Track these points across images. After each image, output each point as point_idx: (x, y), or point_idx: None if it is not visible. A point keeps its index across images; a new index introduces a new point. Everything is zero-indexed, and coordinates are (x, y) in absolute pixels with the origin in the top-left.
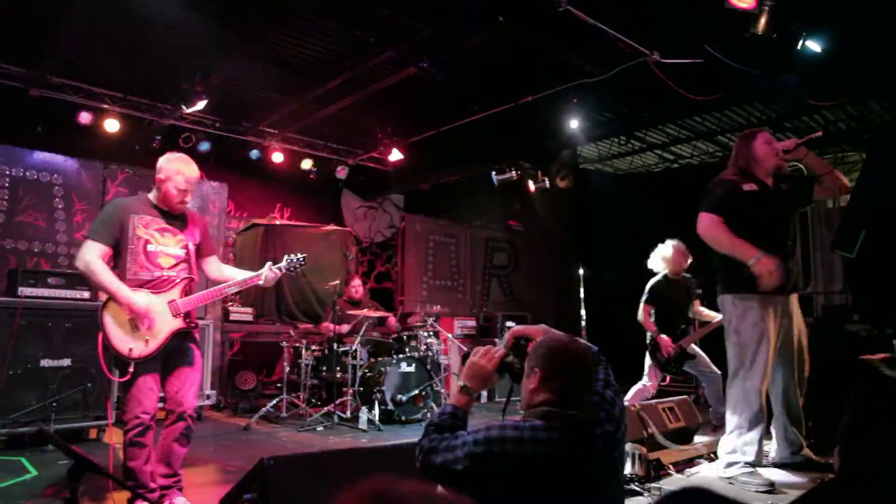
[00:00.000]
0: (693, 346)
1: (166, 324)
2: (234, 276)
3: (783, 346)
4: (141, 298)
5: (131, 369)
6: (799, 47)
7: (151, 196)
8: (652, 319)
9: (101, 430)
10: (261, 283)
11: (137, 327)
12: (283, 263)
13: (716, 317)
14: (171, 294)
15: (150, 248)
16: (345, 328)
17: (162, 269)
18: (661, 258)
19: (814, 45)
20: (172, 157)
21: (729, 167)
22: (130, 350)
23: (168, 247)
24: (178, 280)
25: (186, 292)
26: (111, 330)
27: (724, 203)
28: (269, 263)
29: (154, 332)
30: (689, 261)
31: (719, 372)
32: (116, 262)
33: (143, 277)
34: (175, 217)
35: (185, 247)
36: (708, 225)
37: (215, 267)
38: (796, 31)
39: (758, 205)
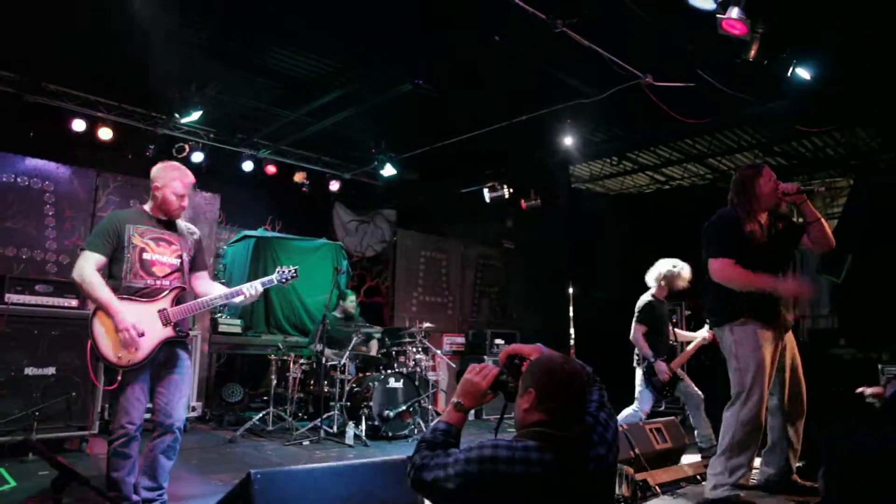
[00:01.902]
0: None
1: (156, 332)
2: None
3: (779, 372)
4: (128, 316)
5: (119, 377)
6: (789, 74)
7: (147, 207)
8: (644, 340)
9: (84, 441)
10: (244, 297)
11: (129, 337)
12: (275, 276)
13: (695, 336)
14: (162, 303)
15: (145, 256)
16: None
17: (156, 278)
18: (666, 275)
19: (803, 73)
20: (166, 165)
21: (730, 201)
22: (119, 358)
23: (163, 256)
24: (170, 289)
25: (177, 301)
26: (100, 338)
27: (731, 243)
28: (250, 282)
29: (143, 341)
30: (684, 283)
31: (702, 394)
32: (112, 270)
33: (137, 285)
34: (171, 228)
35: (180, 256)
36: (722, 268)
37: (205, 283)
38: (787, 58)
39: (756, 245)
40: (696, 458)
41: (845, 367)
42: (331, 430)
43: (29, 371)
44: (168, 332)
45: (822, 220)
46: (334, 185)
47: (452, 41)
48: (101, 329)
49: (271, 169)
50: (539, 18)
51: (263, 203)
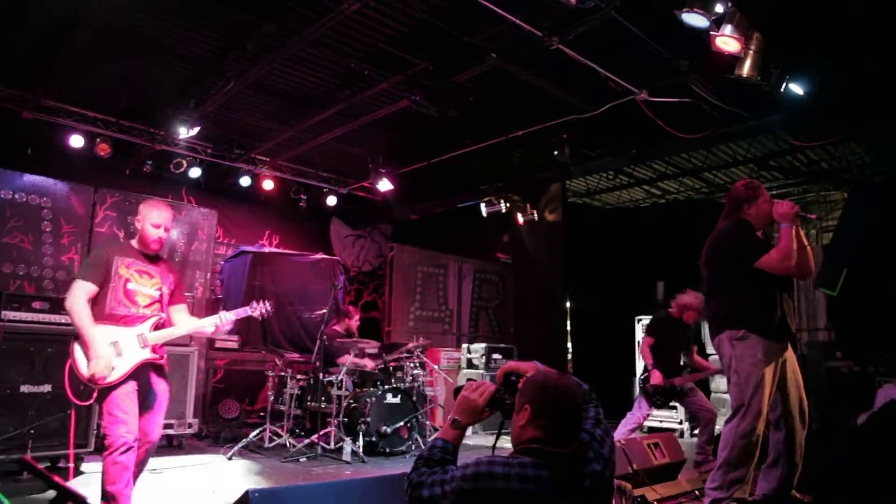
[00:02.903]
0: (692, 384)
1: (134, 354)
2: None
3: (780, 387)
4: (102, 347)
5: (95, 395)
6: (782, 90)
7: (134, 242)
8: (650, 351)
9: (80, 459)
10: (210, 330)
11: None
12: (249, 309)
13: (711, 367)
14: (142, 328)
15: (129, 286)
16: (368, 364)
17: (138, 307)
18: (678, 300)
19: (796, 88)
20: (146, 202)
21: (727, 214)
22: (89, 378)
23: (145, 287)
24: (150, 316)
25: (157, 328)
26: (79, 358)
27: (760, 243)
28: (221, 313)
29: (120, 362)
30: (694, 315)
31: (716, 412)
32: (99, 296)
33: (120, 312)
34: (154, 261)
35: (160, 289)
36: (777, 260)
37: (181, 316)
38: (780, 74)
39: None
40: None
41: (842, 378)
42: (328, 447)
43: (24, 389)
44: (146, 354)
45: (808, 247)
46: (331, 201)
47: (452, 57)
48: (80, 351)
49: (269, 184)
50: (535, 35)
51: (261, 218)
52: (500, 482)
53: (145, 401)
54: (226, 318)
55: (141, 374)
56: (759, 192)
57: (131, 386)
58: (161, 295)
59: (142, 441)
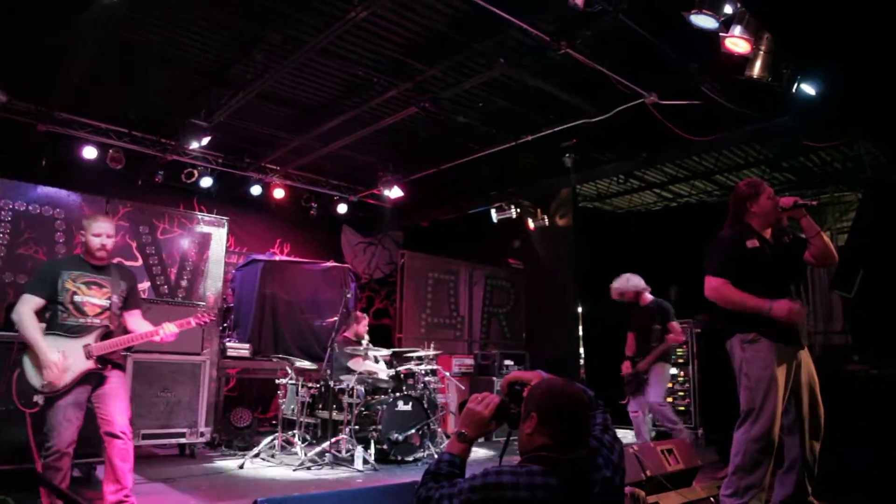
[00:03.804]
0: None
1: (79, 365)
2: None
3: (794, 391)
4: (52, 354)
5: (42, 402)
6: (794, 90)
7: (83, 255)
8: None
9: (93, 468)
10: (157, 339)
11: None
12: (192, 319)
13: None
14: (87, 339)
15: (76, 298)
16: (382, 369)
17: (87, 317)
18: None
19: (808, 88)
20: (88, 215)
21: (729, 219)
22: (42, 386)
23: (93, 297)
24: (96, 327)
25: (103, 338)
26: (28, 368)
27: (727, 264)
28: (164, 324)
29: (66, 373)
30: (631, 292)
31: (649, 400)
32: (49, 309)
33: (69, 323)
34: (103, 272)
35: (109, 298)
36: (715, 287)
37: (136, 321)
38: (791, 74)
39: (760, 261)
40: None
41: (859, 383)
42: (340, 455)
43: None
44: (90, 364)
45: (822, 233)
46: (342, 208)
47: (460, 63)
48: (28, 361)
49: (279, 192)
50: (543, 40)
51: (272, 227)
52: (510, 492)
53: (99, 397)
54: (168, 329)
55: (89, 380)
56: (761, 188)
57: (76, 396)
58: (111, 304)
59: (107, 431)
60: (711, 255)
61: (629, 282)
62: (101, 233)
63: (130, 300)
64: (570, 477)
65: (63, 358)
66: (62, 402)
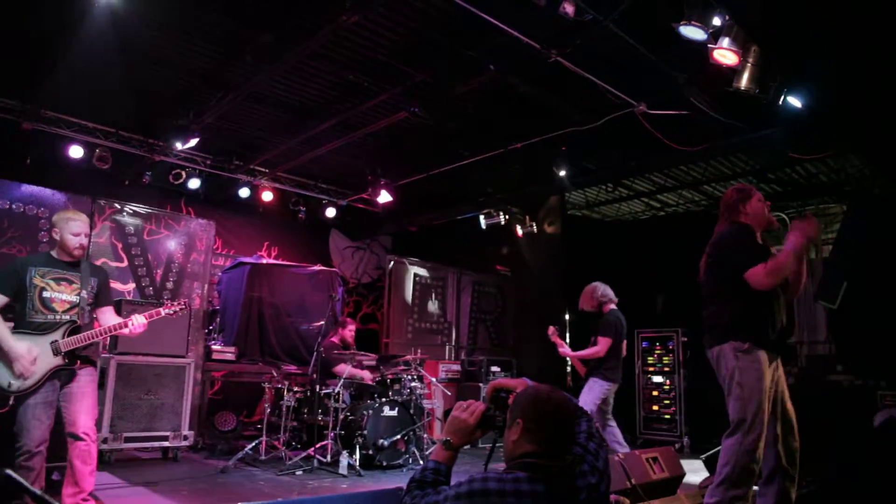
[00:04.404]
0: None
1: (46, 362)
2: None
3: (774, 401)
4: (19, 346)
5: (11, 402)
6: (781, 102)
7: (53, 252)
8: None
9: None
10: (126, 331)
11: (22, 366)
12: (163, 310)
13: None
14: (55, 335)
15: (45, 294)
16: (366, 375)
17: (55, 314)
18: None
19: (795, 101)
20: (62, 212)
21: (724, 220)
22: (10, 385)
23: (62, 293)
24: (63, 323)
25: (70, 334)
26: None
27: (755, 253)
28: (134, 316)
29: (34, 370)
30: (594, 303)
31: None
32: (17, 307)
33: (37, 320)
34: (73, 268)
35: (79, 294)
36: (764, 273)
37: (108, 317)
38: (778, 86)
39: (767, 256)
40: None
41: (843, 392)
42: (324, 460)
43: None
44: (58, 361)
45: (804, 266)
46: (330, 212)
47: (450, 69)
48: None
49: (268, 195)
50: (534, 48)
51: (259, 230)
52: (496, 499)
53: (66, 396)
54: (137, 320)
55: (57, 377)
56: (751, 192)
57: (44, 394)
58: (80, 300)
59: (70, 432)
60: (732, 251)
61: (595, 292)
62: (80, 232)
63: (101, 297)
64: (556, 483)
65: (30, 353)
66: (31, 400)
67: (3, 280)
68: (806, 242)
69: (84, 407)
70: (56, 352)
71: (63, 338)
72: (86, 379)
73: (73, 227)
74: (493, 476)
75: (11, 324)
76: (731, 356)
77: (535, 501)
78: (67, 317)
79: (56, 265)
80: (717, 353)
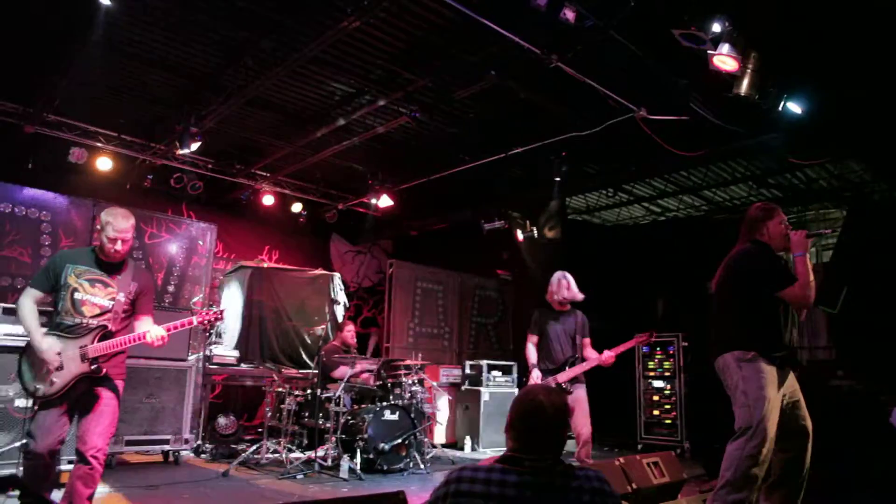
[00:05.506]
0: (576, 387)
1: (73, 368)
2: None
3: (784, 411)
4: (47, 344)
5: (36, 407)
6: (780, 108)
7: (97, 250)
8: (532, 350)
9: None
10: (149, 340)
11: (48, 370)
12: (195, 318)
13: (590, 358)
14: (83, 340)
15: (76, 296)
16: (368, 379)
17: (84, 317)
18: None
19: (794, 107)
20: (108, 210)
21: (744, 237)
22: (36, 389)
23: (95, 297)
24: (93, 328)
25: (100, 340)
26: (25, 371)
27: (784, 272)
28: (153, 327)
29: (60, 375)
30: (568, 294)
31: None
32: (52, 305)
33: (67, 322)
34: (113, 270)
35: (114, 298)
36: (798, 292)
37: (145, 327)
38: (778, 92)
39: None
40: None
41: (844, 397)
42: (325, 464)
43: (18, 403)
44: (84, 367)
45: (812, 282)
46: (331, 217)
47: (451, 74)
48: (26, 364)
49: (269, 199)
50: (534, 54)
51: (260, 233)
52: (466, 485)
53: (84, 408)
54: (160, 330)
55: (80, 386)
56: (775, 213)
57: (60, 405)
58: (114, 304)
59: (77, 450)
60: (758, 270)
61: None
62: (117, 237)
63: (139, 304)
64: (528, 476)
65: (56, 350)
66: (52, 408)
67: (41, 276)
68: (803, 251)
69: (100, 427)
70: (83, 357)
71: (92, 343)
72: (108, 395)
73: (110, 231)
74: (471, 465)
75: (45, 318)
76: (735, 365)
77: (503, 488)
78: (96, 322)
79: (95, 265)
80: (722, 362)
